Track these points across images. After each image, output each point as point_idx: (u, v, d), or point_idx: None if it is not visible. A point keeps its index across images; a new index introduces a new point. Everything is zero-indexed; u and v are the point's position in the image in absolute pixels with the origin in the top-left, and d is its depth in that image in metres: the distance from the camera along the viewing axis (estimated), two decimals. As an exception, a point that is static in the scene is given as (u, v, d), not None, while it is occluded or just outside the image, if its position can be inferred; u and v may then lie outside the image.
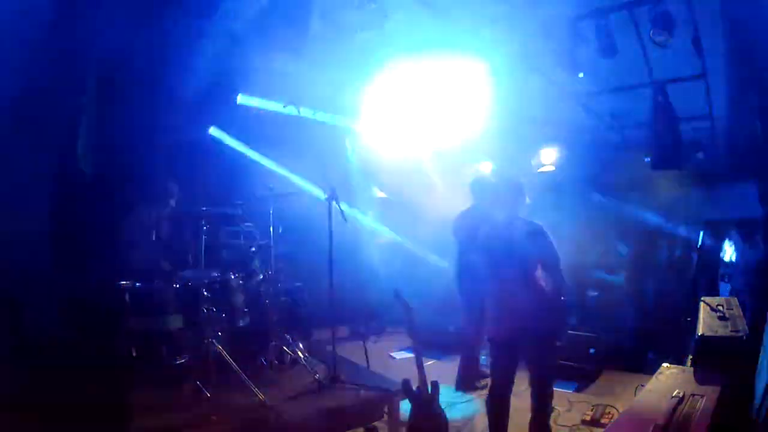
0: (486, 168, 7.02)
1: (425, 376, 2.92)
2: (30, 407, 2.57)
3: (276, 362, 3.72)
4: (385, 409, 3.25)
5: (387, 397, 3.25)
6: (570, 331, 4.75)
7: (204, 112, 4.72)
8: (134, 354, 3.06)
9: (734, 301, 2.52)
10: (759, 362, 1.65)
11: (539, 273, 2.88)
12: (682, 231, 6.81)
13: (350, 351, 4.74)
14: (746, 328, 2.05)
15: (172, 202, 3.89)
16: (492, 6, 3.69)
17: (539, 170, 6.38)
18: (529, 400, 2.98)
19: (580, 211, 6.74)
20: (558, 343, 2.96)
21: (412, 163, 6.58)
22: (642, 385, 2.06)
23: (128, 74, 3.77)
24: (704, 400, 1.49)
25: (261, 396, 3.00)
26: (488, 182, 4.42)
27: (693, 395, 1.52)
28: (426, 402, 2.89)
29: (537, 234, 2.86)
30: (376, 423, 3.15)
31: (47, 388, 2.72)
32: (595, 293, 5.88)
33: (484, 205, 4.32)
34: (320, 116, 5.55)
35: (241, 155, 5.33)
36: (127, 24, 3.30)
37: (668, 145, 4.39)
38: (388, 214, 7.12)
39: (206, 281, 3.31)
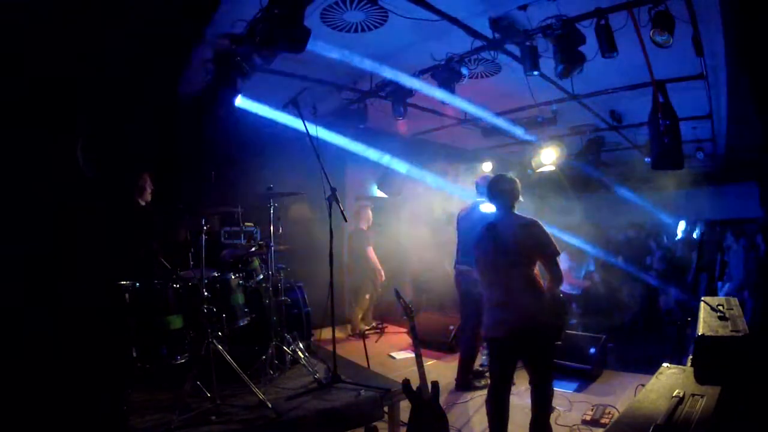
0: (487, 167, 7.03)
1: (425, 376, 2.92)
2: (29, 407, 2.57)
3: (276, 362, 3.72)
4: (385, 409, 3.26)
5: (387, 397, 3.25)
6: (570, 331, 4.76)
7: (203, 112, 4.71)
8: (134, 354, 3.06)
9: (734, 301, 2.51)
10: None
11: (536, 271, 2.89)
12: (683, 230, 6.83)
13: (350, 351, 4.74)
14: (746, 327, 2.04)
15: (147, 198, 3.84)
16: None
17: (539, 170, 6.38)
18: (529, 400, 2.99)
19: (581, 209, 6.77)
20: (557, 342, 2.95)
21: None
22: (642, 385, 2.05)
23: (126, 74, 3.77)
24: (704, 400, 1.48)
25: (261, 396, 3.00)
26: (487, 180, 4.43)
27: (693, 395, 1.52)
28: (426, 402, 2.89)
29: (533, 229, 2.86)
30: (376, 423, 3.15)
31: (47, 388, 2.71)
32: (595, 292, 5.88)
33: (484, 202, 4.33)
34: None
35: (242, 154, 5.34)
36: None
37: (668, 145, 4.38)
38: (388, 213, 7.13)
39: (206, 281, 3.31)
